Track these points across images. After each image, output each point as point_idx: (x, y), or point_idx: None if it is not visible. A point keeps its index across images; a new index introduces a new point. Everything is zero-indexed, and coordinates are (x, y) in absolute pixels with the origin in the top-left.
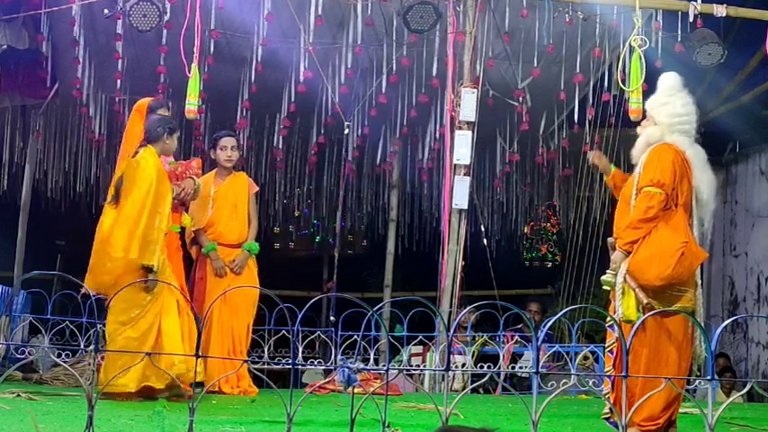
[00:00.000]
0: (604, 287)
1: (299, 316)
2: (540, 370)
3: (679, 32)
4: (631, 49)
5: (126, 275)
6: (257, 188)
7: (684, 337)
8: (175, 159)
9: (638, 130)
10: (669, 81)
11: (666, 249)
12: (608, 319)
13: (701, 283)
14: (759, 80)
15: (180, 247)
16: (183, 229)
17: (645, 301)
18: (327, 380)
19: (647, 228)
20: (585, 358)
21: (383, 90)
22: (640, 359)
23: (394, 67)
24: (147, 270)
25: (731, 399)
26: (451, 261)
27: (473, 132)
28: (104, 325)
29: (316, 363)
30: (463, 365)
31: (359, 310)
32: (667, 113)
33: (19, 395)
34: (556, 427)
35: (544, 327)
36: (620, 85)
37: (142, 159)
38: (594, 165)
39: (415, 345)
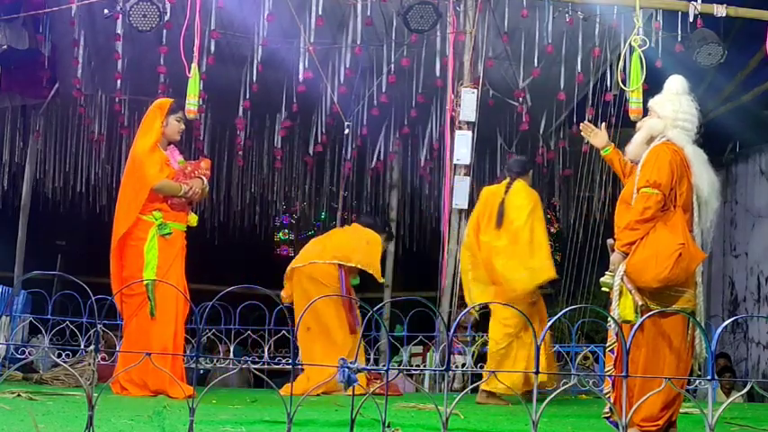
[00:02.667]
0: (603, 288)
1: (299, 316)
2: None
3: (679, 32)
4: (631, 49)
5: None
6: None
7: (683, 337)
8: (185, 159)
9: (638, 125)
10: (677, 83)
11: (663, 251)
12: (609, 318)
13: (701, 283)
14: (759, 80)
15: (185, 246)
16: (188, 228)
17: (640, 303)
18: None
19: (644, 229)
20: (585, 358)
21: (383, 90)
22: (638, 360)
23: (393, 68)
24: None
25: (731, 399)
26: (451, 261)
27: (473, 132)
28: (104, 325)
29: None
30: (463, 365)
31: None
32: (673, 108)
33: (19, 395)
34: (556, 427)
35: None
36: (621, 85)
37: (522, 189)
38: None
39: (415, 345)
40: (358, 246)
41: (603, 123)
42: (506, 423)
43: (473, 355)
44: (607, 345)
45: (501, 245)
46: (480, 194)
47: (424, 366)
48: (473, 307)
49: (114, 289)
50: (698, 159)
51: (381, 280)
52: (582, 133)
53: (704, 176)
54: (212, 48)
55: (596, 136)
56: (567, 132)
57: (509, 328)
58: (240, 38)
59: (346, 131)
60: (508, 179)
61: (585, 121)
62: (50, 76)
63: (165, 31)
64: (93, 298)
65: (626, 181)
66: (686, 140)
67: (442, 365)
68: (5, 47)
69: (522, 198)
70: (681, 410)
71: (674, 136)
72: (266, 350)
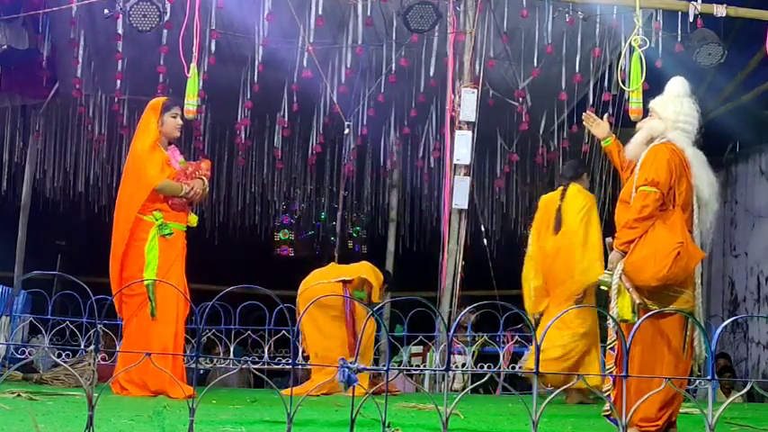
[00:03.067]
0: (602, 287)
1: (299, 316)
2: (539, 370)
3: (679, 32)
4: (631, 49)
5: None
6: None
7: (680, 337)
8: (185, 159)
9: (638, 125)
10: (679, 85)
11: (662, 250)
12: (608, 318)
13: (701, 283)
14: (759, 80)
15: (185, 246)
16: (188, 228)
17: (638, 302)
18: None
19: (643, 227)
20: None
21: (383, 90)
22: (635, 359)
23: (394, 67)
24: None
25: (731, 399)
26: (451, 261)
27: (473, 132)
28: (104, 325)
29: None
30: (463, 365)
31: None
32: (674, 110)
33: (19, 395)
34: (556, 427)
35: (546, 327)
36: (621, 85)
37: (577, 193)
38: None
39: (415, 345)
40: (361, 267)
41: (606, 114)
42: (506, 423)
43: (473, 355)
44: (608, 343)
45: (558, 248)
46: (539, 203)
47: (424, 366)
48: (472, 308)
49: (113, 289)
50: (698, 161)
51: (376, 299)
52: (584, 122)
53: (704, 178)
54: (212, 48)
55: (598, 126)
56: (567, 132)
57: (580, 328)
58: (240, 38)
59: (346, 131)
60: (563, 186)
61: (588, 111)
62: (50, 76)
63: (165, 31)
64: (93, 298)
65: (623, 174)
66: (686, 142)
67: (442, 365)
68: (5, 47)
69: (577, 202)
70: (681, 410)
71: (674, 137)
72: (266, 350)
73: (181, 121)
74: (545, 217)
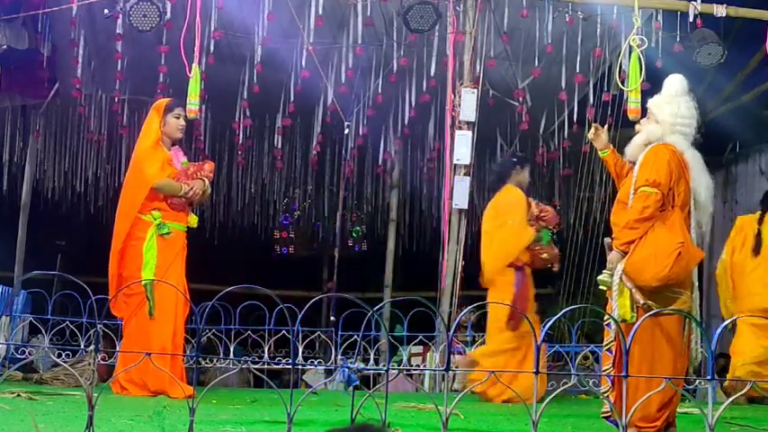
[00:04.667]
0: (601, 287)
1: (299, 316)
2: (540, 370)
3: (679, 32)
4: (630, 49)
5: None
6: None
7: (679, 336)
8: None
9: (637, 127)
10: (675, 84)
11: (663, 250)
12: (605, 317)
13: (699, 284)
14: (759, 80)
15: (185, 246)
16: (188, 228)
17: (641, 302)
18: (328, 379)
19: (643, 228)
20: (585, 358)
21: (383, 90)
22: (633, 358)
23: (394, 67)
24: None
25: (731, 399)
26: (451, 261)
27: (473, 132)
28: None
29: (316, 363)
30: None
31: (359, 310)
32: (671, 113)
33: (19, 395)
34: (556, 427)
35: (544, 327)
36: (620, 85)
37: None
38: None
39: (415, 345)
40: (505, 236)
41: (606, 125)
42: (506, 423)
43: None
44: (604, 344)
45: (756, 267)
46: (735, 223)
47: (424, 366)
48: (472, 308)
49: (110, 288)
50: (696, 164)
51: (530, 238)
52: (589, 134)
53: (702, 181)
54: (212, 48)
55: (599, 138)
56: (567, 132)
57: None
58: (240, 38)
59: (346, 131)
60: (760, 211)
61: (598, 124)
62: (50, 76)
63: (165, 30)
64: (93, 298)
65: (620, 182)
66: (685, 145)
67: (442, 365)
68: (5, 47)
69: None
70: (681, 410)
71: (673, 141)
72: (266, 350)
73: (184, 122)
74: (739, 237)
